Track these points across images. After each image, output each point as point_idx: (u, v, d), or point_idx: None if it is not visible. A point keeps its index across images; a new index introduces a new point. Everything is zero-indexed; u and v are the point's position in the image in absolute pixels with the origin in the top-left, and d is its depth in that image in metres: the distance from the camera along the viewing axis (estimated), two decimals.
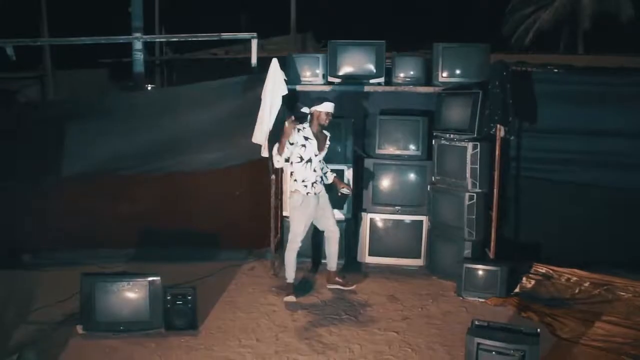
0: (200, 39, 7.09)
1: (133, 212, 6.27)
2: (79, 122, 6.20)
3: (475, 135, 5.38)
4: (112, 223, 6.22)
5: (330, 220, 5.32)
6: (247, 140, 5.83)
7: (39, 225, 6.07)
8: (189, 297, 4.61)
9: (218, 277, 5.74)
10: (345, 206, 5.90)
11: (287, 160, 5.16)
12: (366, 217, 5.93)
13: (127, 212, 6.26)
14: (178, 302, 4.59)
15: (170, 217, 6.33)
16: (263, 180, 5.96)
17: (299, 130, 5.07)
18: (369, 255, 5.96)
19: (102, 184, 6.21)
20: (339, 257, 5.56)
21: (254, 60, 6.74)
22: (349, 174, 5.86)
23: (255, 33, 6.85)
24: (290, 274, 5.26)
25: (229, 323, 4.77)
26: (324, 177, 5.31)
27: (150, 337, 4.46)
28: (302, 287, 5.52)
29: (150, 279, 4.56)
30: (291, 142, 5.05)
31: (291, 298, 5.14)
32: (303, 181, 5.10)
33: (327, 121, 5.10)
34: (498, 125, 5.32)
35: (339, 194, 5.37)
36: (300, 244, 5.20)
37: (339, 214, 5.75)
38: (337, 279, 5.45)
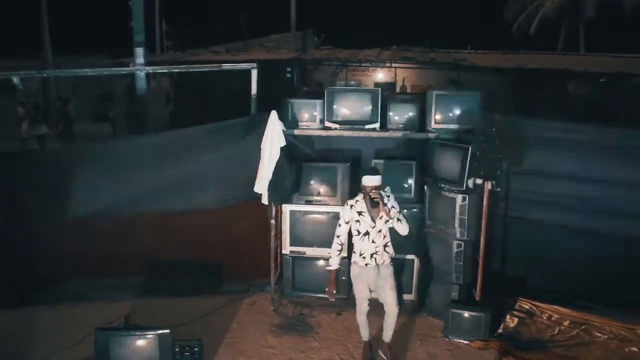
0: (201, 69, 7.29)
1: (140, 248, 6.64)
2: (85, 165, 6.49)
3: (464, 188, 5.66)
4: (120, 258, 6.59)
5: (389, 296, 5.09)
6: (247, 179, 6.13)
7: (50, 261, 6.43)
8: (196, 349, 5.00)
9: (221, 313, 6.11)
10: None
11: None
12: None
13: (134, 248, 6.62)
14: (186, 354, 4.99)
15: (174, 251, 6.69)
16: (263, 214, 6.29)
17: (351, 206, 5.09)
18: None
19: (107, 222, 6.55)
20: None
21: (254, 90, 6.97)
22: None
23: (254, 63, 7.07)
24: (363, 333, 5.34)
25: None
26: (399, 224, 5.05)
27: None
28: (304, 325, 5.90)
29: (160, 332, 4.94)
30: (346, 220, 5.10)
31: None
32: (361, 254, 5.11)
33: (374, 194, 4.92)
34: (485, 182, 5.61)
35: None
36: (367, 307, 5.20)
37: None
38: (385, 350, 5.27)
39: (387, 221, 5.02)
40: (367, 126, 6.24)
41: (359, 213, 5.08)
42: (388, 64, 13.21)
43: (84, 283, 6.51)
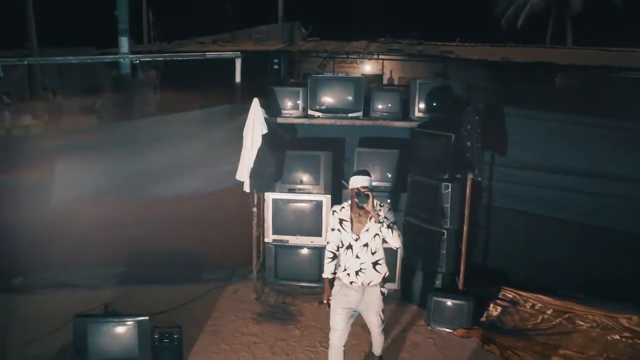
0: (185, 58, 7.22)
1: (123, 234, 6.55)
2: (69, 151, 6.39)
3: (447, 177, 5.64)
4: (101, 245, 6.51)
5: (373, 322, 4.59)
6: (230, 166, 6.08)
7: (30, 249, 6.34)
8: (175, 336, 4.94)
9: (203, 301, 6.07)
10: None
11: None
12: None
13: (117, 234, 6.54)
14: (165, 340, 4.92)
15: (156, 239, 6.61)
16: (246, 202, 6.24)
17: (333, 212, 4.52)
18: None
19: (91, 208, 6.46)
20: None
21: (237, 78, 6.92)
22: (327, 203, 6.11)
23: (239, 52, 7.01)
24: None
25: (213, 356, 5.12)
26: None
27: None
28: (285, 314, 5.86)
29: (139, 319, 4.88)
30: (332, 227, 4.52)
31: None
32: (345, 269, 4.47)
33: (363, 189, 4.29)
34: (474, 172, 5.59)
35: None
36: (340, 340, 4.48)
37: None
38: None
39: (375, 235, 4.37)
40: (350, 115, 6.20)
41: (341, 221, 4.45)
42: (375, 56, 13.20)
43: (64, 271, 6.42)
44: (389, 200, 4.98)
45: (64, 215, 6.40)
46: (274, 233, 6.25)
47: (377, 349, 4.85)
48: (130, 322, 4.89)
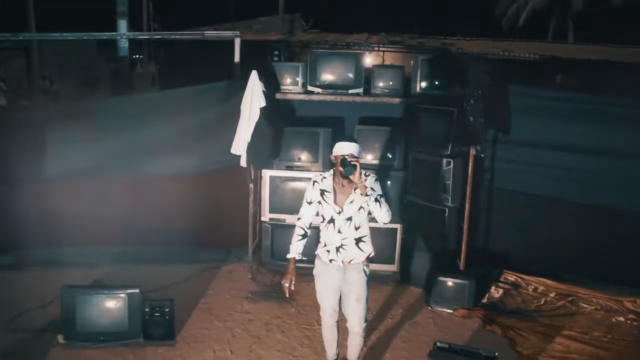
0: (184, 37, 7.09)
1: (115, 213, 6.40)
2: (61, 126, 6.24)
3: (449, 152, 5.50)
4: (94, 223, 6.35)
5: (352, 310, 4.08)
6: (227, 146, 5.93)
7: (21, 225, 6.19)
8: (167, 309, 4.78)
9: (197, 280, 5.92)
10: None
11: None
12: None
13: (110, 213, 6.39)
14: (156, 314, 4.76)
15: (151, 218, 6.46)
16: (242, 183, 6.09)
17: (314, 183, 4.04)
18: None
19: (84, 185, 6.32)
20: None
21: (237, 58, 6.77)
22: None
23: (238, 32, 6.86)
24: (328, 351, 4.35)
25: (205, 332, 4.96)
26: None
27: (129, 348, 4.65)
28: (281, 293, 5.69)
29: (129, 291, 4.73)
30: (309, 200, 4.04)
31: None
32: (324, 245, 4.06)
33: (349, 157, 3.83)
34: (471, 147, 5.46)
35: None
36: (331, 318, 4.19)
37: None
38: None
39: (360, 208, 3.95)
40: (350, 91, 6.06)
41: (322, 192, 4.01)
42: (376, 48, 13.10)
43: (55, 249, 6.25)
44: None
45: (55, 192, 6.26)
46: (270, 212, 6.10)
47: (353, 355, 4.26)
48: (120, 294, 4.74)
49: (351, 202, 3.95)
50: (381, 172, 5.98)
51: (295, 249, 4.10)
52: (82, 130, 6.23)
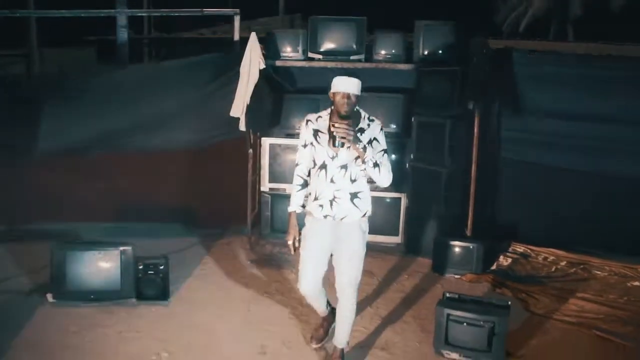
0: (183, 14, 6.99)
1: (111, 188, 6.24)
2: (57, 101, 6.08)
3: (454, 113, 5.34)
4: (91, 199, 6.18)
5: (344, 269, 3.56)
6: (226, 118, 5.77)
7: (15, 199, 6.02)
8: (161, 267, 4.56)
9: (193, 250, 5.71)
10: None
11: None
12: None
13: (106, 188, 6.23)
14: (150, 272, 4.54)
15: (148, 194, 6.29)
16: (240, 158, 5.92)
17: (307, 122, 3.57)
18: None
19: (79, 160, 6.16)
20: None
21: (236, 37, 6.66)
22: None
23: (238, 9, 6.77)
24: (319, 309, 3.88)
25: (201, 294, 4.74)
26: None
27: (121, 306, 4.43)
28: (281, 261, 5.48)
29: (122, 248, 4.52)
30: (303, 143, 3.57)
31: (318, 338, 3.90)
32: (316, 198, 3.51)
33: (346, 106, 3.37)
34: (476, 105, 5.30)
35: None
36: (307, 290, 3.65)
37: None
38: None
39: (357, 158, 3.41)
40: (352, 57, 5.91)
41: (316, 133, 3.51)
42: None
43: (49, 224, 6.05)
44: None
45: (50, 166, 6.10)
46: (270, 181, 5.92)
47: (341, 336, 3.69)
48: (112, 251, 4.53)
49: (349, 147, 3.37)
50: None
51: (296, 201, 3.66)
52: (76, 104, 6.08)
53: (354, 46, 5.91)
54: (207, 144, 6.18)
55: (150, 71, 6.53)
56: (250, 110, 5.51)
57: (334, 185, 3.45)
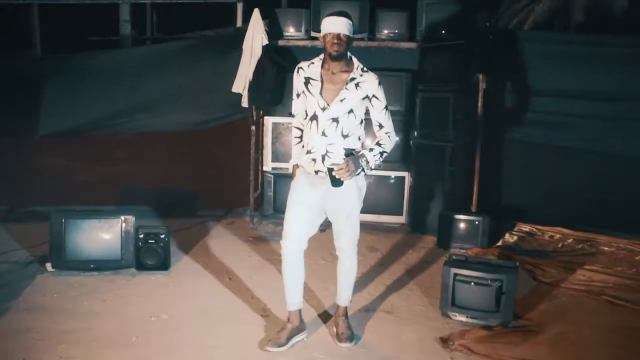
0: (184, 1, 6.98)
1: (112, 170, 6.22)
2: (57, 81, 6.06)
3: (458, 87, 5.30)
4: (92, 181, 6.15)
5: (343, 230, 3.39)
6: (229, 99, 5.73)
7: (15, 180, 5.98)
8: (162, 236, 4.49)
9: (195, 229, 5.65)
10: None
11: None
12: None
13: (107, 170, 6.20)
14: (150, 242, 4.47)
15: (149, 176, 6.25)
16: (244, 140, 5.88)
17: (298, 70, 3.38)
18: None
19: (80, 142, 6.12)
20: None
21: (239, 23, 6.66)
22: None
23: None
24: (288, 297, 3.44)
25: (203, 265, 4.67)
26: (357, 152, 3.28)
27: (121, 275, 4.36)
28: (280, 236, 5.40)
29: (123, 217, 4.46)
30: (296, 93, 3.43)
31: (279, 344, 3.33)
32: (309, 152, 3.31)
33: (337, 47, 3.20)
34: (480, 76, 5.26)
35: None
36: (293, 248, 3.36)
37: None
38: (339, 321, 3.54)
39: (350, 112, 3.22)
40: (355, 36, 5.88)
41: (307, 81, 3.31)
42: None
43: (51, 206, 5.93)
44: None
45: (52, 148, 6.07)
46: (273, 160, 5.86)
47: (343, 294, 3.54)
48: (113, 220, 4.47)
49: (342, 100, 3.22)
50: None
51: (296, 153, 3.48)
52: (77, 86, 6.05)
53: (357, 25, 5.87)
54: (210, 125, 6.14)
55: (152, 52, 6.51)
56: (252, 86, 5.47)
57: (326, 138, 3.25)
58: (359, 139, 3.33)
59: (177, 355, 3.26)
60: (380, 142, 3.28)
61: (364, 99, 3.26)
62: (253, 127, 5.69)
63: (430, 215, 5.57)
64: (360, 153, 3.23)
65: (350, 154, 3.25)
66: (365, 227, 5.63)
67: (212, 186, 6.26)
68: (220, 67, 6.04)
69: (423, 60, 5.69)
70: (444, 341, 3.48)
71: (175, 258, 4.73)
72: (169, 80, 6.09)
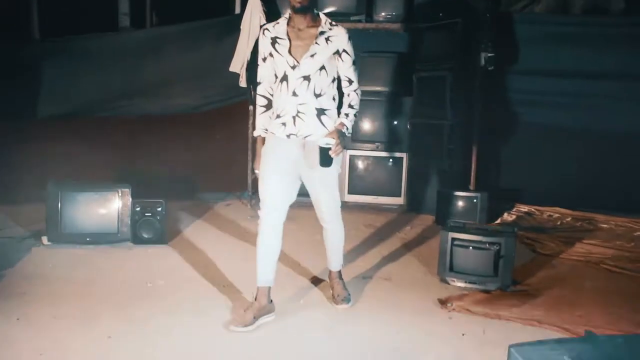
0: None
1: (112, 152, 6.21)
2: (56, 64, 6.08)
3: (455, 65, 5.29)
4: (92, 163, 6.13)
5: (322, 200, 3.30)
6: (227, 82, 5.73)
7: (15, 163, 5.97)
8: (159, 209, 4.47)
9: (193, 209, 5.59)
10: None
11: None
12: (346, 155, 5.81)
13: (106, 152, 6.20)
14: (147, 215, 4.45)
15: (149, 158, 6.25)
16: (241, 124, 5.87)
17: (264, 31, 3.26)
18: (348, 193, 5.83)
19: (80, 124, 6.13)
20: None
21: (237, 10, 6.69)
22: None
23: None
24: (260, 273, 3.25)
25: (200, 240, 4.64)
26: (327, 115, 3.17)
27: (117, 248, 4.34)
28: None
29: (119, 190, 4.44)
30: (263, 56, 3.27)
31: (245, 323, 3.12)
32: (278, 116, 3.18)
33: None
34: (481, 55, 5.27)
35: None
36: (271, 216, 3.25)
37: None
38: (334, 284, 3.54)
39: (322, 68, 3.10)
40: (352, 18, 5.89)
41: (274, 41, 3.18)
42: None
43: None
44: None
45: (50, 130, 6.07)
46: None
47: (333, 261, 3.52)
48: (109, 193, 4.46)
49: (312, 55, 3.09)
50: (386, 98, 5.78)
51: (261, 123, 3.29)
52: (77, 68, 6.06)
53: (354, 7, 5.88)
54: (209, 108, 6.15)
55: (151, 35, 6.53)
56: (250, 66, 5.47)
57: (297, 98, 3.12)
58: (334, 99, 3.23)
59: (173, 317, 3.23)
60: (351, 104, 3.20)
61: (334, 53, 3.15)
62: (251, 107, 5.68)
63: (428, 195, 5.56)
64: (340, 123, 3.14)
65: (322, 114, 3.15)
66: (362, 208, 5.72)
67: (211, 170, 6.24)
68: (218, 51, 6.06)
69: (420, 40, 5.69)
70: (443, 303, 3.47)
71: (173, 233, 4.70)
72: (168, 64, 6.12)
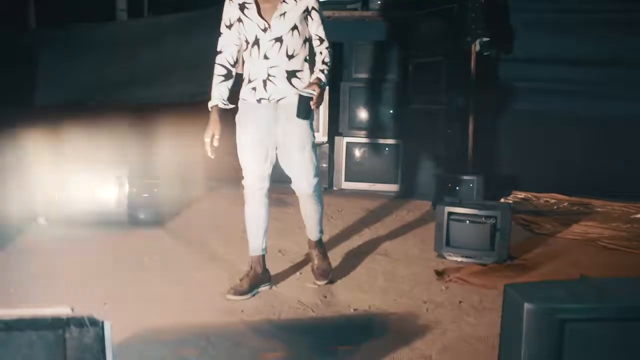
0: None
1: (110, 141, 6.18)
2: (54, 52, 6.10)
3: (451, 50, 5.32)
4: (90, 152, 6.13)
5: (295, 164, 3.17)
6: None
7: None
8: (156, 190, 4.48)
9: (191, 191, 5.57)
10: (320, 128, 5.76)
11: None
12: (342, 142, 5.82)
13: (104, 141, 6.16)
14: (144, 195, 4.45)
15: (147, 149, 6.22)
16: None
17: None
18: (345, 181, 5.84)
19: (79, 113, 6.11)
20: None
21: None
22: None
23: None
24: (251, 241, 3.28)
25: (197, 222, 4.64)
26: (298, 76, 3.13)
27: (114, 228, 4.32)
28: (282, 203, 5.37)
29: (116, 170, 4.45)
30: (227, 23, 3.16)
31: (240, 292, 3.17)
32: (249, 81, 3.15)
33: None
34: (476, 40, 5.29)
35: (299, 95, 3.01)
36: (258, 184, 3.21)
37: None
38: (313, 253, 3.42)
39: (294, 28, 3.06)
40: (348, 6, 5.93)
41: (243, 6, 3.09)
42: None
43: None
44: None
45: (49, 119, 6.05)
46: None
47: (312, 229, 3.39)
48: (105, 173, 4.46)
49: (282, 14, 3.05)
50: (382, 85, 5.80)
51: (218, 93, 3.17)
52: (74, 56, 6.08)
53: None
54: (207, 97, 6.12)
55: (149, 24, 6.54)
56: None
57: (268, 61, 3.07)
58: (306, 60, 3.17)
59: (169, 286, 3.23)
60: (325, 60, 3.11)
61: (304, 12, 3.10)
62: None
63: (424, 182, 5.55)
64: (316, 78, 3.03)
65: (293, 76, 3.10)
66: (359, 194, 5.72)
67: (209, 159, 6.20)
68: (216, 39, 6.06)
69: (416, 27, 5.72)
70: (439, 274, 3.47)
71: (170, 217, 4.69)
72: (166, 52, 6.13)
